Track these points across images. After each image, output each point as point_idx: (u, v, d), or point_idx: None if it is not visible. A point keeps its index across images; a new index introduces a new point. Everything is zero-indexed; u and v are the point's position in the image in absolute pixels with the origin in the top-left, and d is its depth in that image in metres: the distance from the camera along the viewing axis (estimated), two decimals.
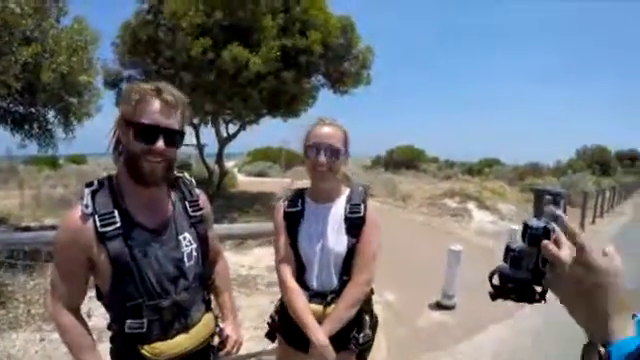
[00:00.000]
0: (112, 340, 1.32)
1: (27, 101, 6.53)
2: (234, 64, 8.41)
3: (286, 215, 1.69)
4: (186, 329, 1.31)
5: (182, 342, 1.28)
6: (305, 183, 1.77)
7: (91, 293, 1.31)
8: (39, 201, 10.08)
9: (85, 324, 1.29)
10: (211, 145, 13.71)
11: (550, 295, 0.80)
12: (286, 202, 1.72)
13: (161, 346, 1.24)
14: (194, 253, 1.35)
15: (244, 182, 18.76)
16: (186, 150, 16.75)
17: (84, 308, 1.34)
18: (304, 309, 1.56)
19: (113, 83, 10.76)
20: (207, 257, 1.44)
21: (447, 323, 4.36)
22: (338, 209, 1.65)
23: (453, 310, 4.67)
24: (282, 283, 1.66)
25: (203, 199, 1.47)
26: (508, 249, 0.79)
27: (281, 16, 9.01)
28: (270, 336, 1.81)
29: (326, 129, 1.59)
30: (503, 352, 3.69)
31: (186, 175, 1.46)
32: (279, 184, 14.91)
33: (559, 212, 0.71)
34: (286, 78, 9.19)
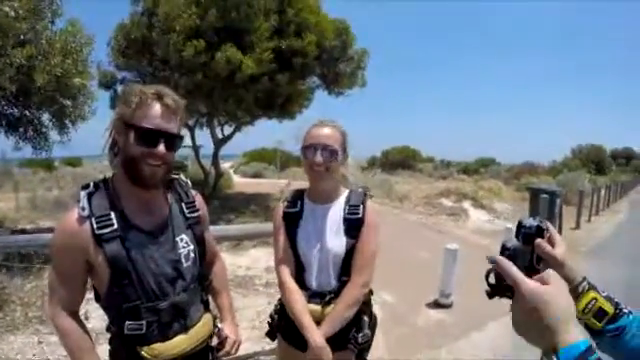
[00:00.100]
0: (111, 342, 1.32)
1: (21, 104, 6.50)
2: (228, 66, 8.41)
3: (285, 216, 1.70)
4: (185, 330, 1.31)
5: (181, 343, 1.29)
6: (303, 184, 1.78)
7: (89, 295, 1.31)
8: (35, 204, 10.03)
9: (84, 327, 1.29)
10: (207, 146, 13.73)
11: None
12: (285, 203, 1.73)
13: (160, 347, 1.24)
14: (191, 254, 1.35)
15: (240, 183, 18.73)
16: (182, 152, 16.74)
17: (81, 310, 1.34)
18: (302, 310, 1.57)
19: (108, 85, 10.74)
20: (204, 258, 1.44)
21: (445, 321, 4.38)
22: (337, 210, 1.66)
23: (450, 308, 4.69)
24: (281, 284, 1.66)
25: (199, 200, 1.47)
26: (503, 247, 0.80)
27: (275, 17, 9.01)
28: (270, 335, 1.82)
29: (323, 130, 1.60)
30: (501, 349, 3.70)
31: (182, 177, 1.47)
32: (275, 185, 14.91)
33: (498, 257, 0.73)
34: (280, 80, 9.19)
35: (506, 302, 0.73)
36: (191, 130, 12.68)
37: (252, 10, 8.64)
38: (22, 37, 5.46)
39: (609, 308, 0.78)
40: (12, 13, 4.99)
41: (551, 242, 0.80)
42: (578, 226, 10.93)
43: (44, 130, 7.08)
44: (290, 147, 1.75)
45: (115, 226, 1.19)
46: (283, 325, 1.73)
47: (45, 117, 7.01)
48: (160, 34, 8.68)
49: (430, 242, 8.03)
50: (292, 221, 1.68)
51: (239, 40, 8.75)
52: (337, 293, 1.59)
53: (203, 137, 26.64)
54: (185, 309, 1.31)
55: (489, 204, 13.06)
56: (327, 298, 1.60)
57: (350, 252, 1.60)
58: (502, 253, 0.80)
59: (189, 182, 1.48)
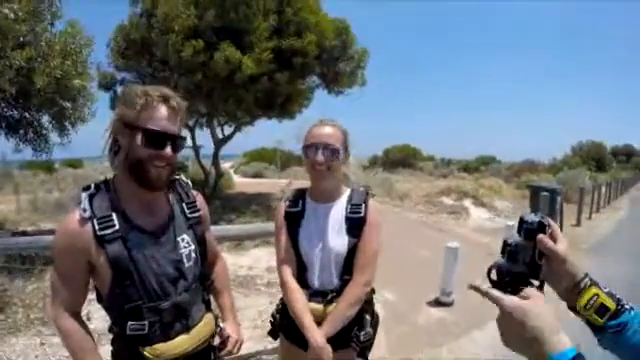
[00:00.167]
0: (113, 342, 1.32)
1: (21, 105, 6.50)
2: (227, 66, 8.41)
3: (287, 215, 1.70)
4: (187, 330, 1.31)
5: (183, 343, 1.29)
6: (304, 183, 1.78)
7: (90, 296, 1.31)
8: (35, 205, 10.03)
9: (86, 327, 1.29)
10: (207, 147, 13.72)
11: (547, 288, 0.81)
12: (287, 202, 1.73)
13: (162, 347, 1.24)
14: (193, 254, 1.36)
15: (241, 183, 18.72)
16: (182, 152, 16.71)
17: (83, 311, 1.34)
18: (303, 309, 1.57)
19: (107, 86, 10.74)
20: (206, 258, 1.45)
21: (446, 320, 4.38)
22: (339, 209, 1.66)
23: (451, 307, 4.69)
24: (283, 283, 1.67)
25: (200, 200, 1.48)
26: (505, 244, 0.80)
27: (274, 17, 9.01)
28: (273, 334, 1.82)
29: (325, 129, 1.60)
30: (502, 348, 3.69)
31: (183, 177, 1.47)
32: (276, 185, 14.90)
33: (474, 285, 0.78)
34: (280, 79, 9.19)
35: None
36: (191, 130, 12.67)
37: (251, 10, 8.63)
38: (22, 39, 5.45)
39: (611, 304, 0.78)
40: (11, 15, 4.99)
41: (553, 238, 0.80)
42: (579, 223, 10.93)
43: (44, 132, 7.08)
44: (290, 147, 1.75)
45: (117, 227, 1.19)
46: (285, 324, 1.73)
47: (45, 119, 7.00)
48: (159, 35, 8.68)
49: (431, 240, 8.02)
50: (294, 220, 1.68)
51: (238, 40, 8.74)
52: (339, 292, 1.60)
53: (203, 137, 26.65)
54: (187, 309, 1.31)
55: (490, 202, 13.05)
56: (329, 297, 1.60)
57: (352, 251, 1.60)
58: (504, 249, 0.80)
59: (190, 182, 1.48)
